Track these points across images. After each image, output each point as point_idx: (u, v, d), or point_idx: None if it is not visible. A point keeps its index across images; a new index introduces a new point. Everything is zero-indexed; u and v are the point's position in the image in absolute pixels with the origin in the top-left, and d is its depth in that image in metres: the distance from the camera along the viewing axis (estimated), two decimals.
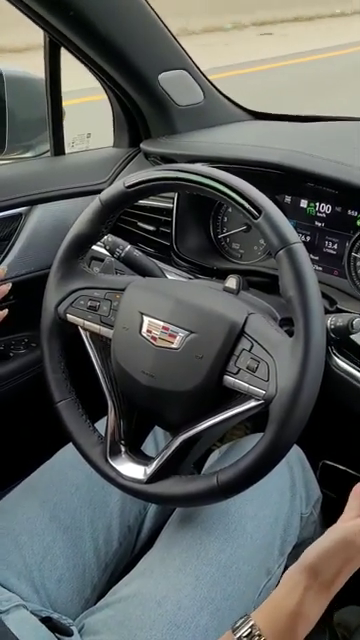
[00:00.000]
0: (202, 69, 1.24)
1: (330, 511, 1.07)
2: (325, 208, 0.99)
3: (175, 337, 0.78)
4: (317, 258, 1.00)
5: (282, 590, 0.64)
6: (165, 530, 0.91)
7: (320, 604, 0.63)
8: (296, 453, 0.99)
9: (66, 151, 1.28)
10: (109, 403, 0.86)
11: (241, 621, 0.63)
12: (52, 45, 1.14)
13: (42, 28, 1.09)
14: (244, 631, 0.61)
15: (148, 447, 0.96)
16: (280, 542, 0.90)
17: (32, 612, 0.79)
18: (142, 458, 0.85)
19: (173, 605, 0.78)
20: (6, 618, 0.74)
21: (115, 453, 0.84)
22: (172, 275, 1.09)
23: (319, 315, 0.71)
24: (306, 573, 0.63)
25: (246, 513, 0.87)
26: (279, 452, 0.73)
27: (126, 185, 0.83)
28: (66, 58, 1.17)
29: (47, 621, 0.78)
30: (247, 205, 0.75)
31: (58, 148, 1.26)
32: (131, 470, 0.82)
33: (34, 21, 1.07)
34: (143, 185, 0.82)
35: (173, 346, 0.78)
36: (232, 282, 0.86)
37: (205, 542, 0.84)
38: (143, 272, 0.95)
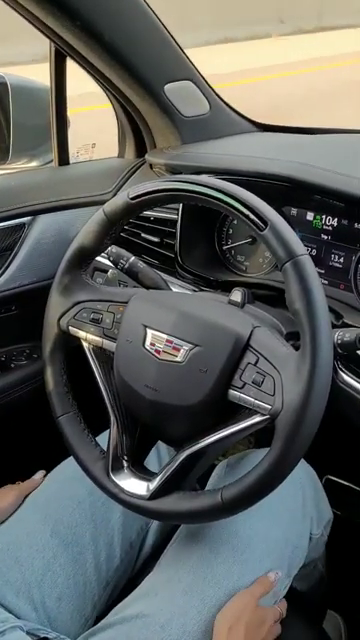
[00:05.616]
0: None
1: (333, 528, 1.06)
2: (331, 221, 0.98)
3: (179, 350, 0.77)
4: (323, 271, 0.99)
5: None
6: (170, 548, 0.89)
7: None
8: (308, 473, 0.97)
9: (70, 161, 1.28)
10: (111, 417, 0.85)
11: None
12: (58, 55, 1.14)
13: (48, 38, 1.09)
14: None
15: (151, 462, 0.94)
16: (288, 564, 0.88)
17: (28, 632, 0.76)
18: (145, 473, 0.83)
19: (178, 629, 0.76)
20: None
21: (117, 468, 0.83)
22: (176, 287, 1.08)
23: (326, 328, 0.70)
24: None
25: (255, 534, 0.85)
26: (285, 469, 0.71)
27: (130, 196, 0.82)
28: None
29: None
30: (253, 217, 0.73)
31: (62, 158, 1.26)
32: (133, 486, 0.81)
33: (40, 30, 1.07)
34: (148, 197, 0.81)
35: (177, 359, 0.77)
36: (237, 295, 0.84)
37: (212, 564, 0.82)
38: (147, 284, 0.94)
